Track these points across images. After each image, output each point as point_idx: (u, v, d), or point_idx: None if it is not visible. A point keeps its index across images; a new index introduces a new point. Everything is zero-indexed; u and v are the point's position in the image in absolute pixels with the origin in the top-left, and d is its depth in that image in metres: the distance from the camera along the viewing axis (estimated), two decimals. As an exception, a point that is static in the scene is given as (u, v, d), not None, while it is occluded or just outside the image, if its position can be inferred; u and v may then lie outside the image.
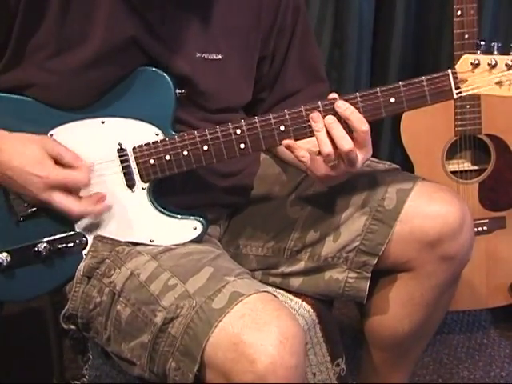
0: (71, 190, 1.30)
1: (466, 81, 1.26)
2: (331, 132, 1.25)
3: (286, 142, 1.28)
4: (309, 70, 1.54)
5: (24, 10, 1.26)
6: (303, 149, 1.29)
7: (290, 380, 1.12)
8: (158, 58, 1.32)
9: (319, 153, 1.27)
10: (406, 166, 2.01)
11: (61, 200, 1.28)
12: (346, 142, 1.24)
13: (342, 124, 1.26)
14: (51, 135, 1.32)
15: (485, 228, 2.06)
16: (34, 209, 1.33)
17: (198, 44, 1.36)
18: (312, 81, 1.53)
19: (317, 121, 1.27)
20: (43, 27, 1.27)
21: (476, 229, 2.03)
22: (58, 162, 1.29)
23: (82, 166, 1.30)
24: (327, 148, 1.25)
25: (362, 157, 1.27)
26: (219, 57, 1.38)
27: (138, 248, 1.33)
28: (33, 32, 1.28)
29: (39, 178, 1.26)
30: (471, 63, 1.25)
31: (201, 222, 1.35)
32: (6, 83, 1.32)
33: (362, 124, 1.25)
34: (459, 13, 1.87)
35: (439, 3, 2.19)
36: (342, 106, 1.26)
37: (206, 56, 1.37)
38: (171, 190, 1.37)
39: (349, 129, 1.26)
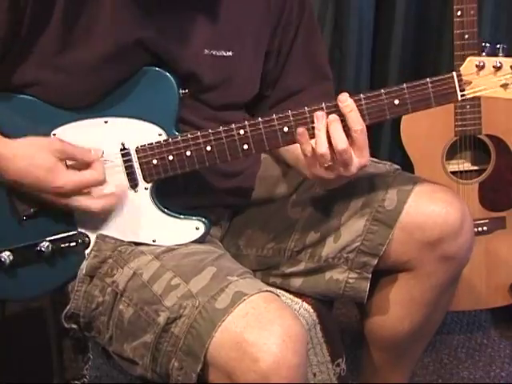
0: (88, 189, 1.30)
1: (471, 83, 1.25)
2: (329, 129, 1.25)
3: (301, 129, 1.27)
4: (313, 67, 1.53)
5: (31, 11, 1.25)
6: (310, 144, 1.28)
7: (293, 379, 1.12)
8: (164, 55, 1.32)
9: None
10: (406, 166, 2.01)
11: (80, 203, 1.28)
12: (340, 141, 1.24)
13: (344, 126, 1.25)
14: (54, 135, 1.32)
15: (485, 228, 2.06)
16: (36, 208, 1.33)
17: (207, 41, 1.35)
18: (317, 79, 1.53)
19: (319, 120, 1.26)
20: (49, 27, 1.26)
21: (476, 229, 2.03)
22: (69, 163, 1.29)
23: (95, 161, 1.30)
24: (322, 148, 1.25)
25: (358, 160, 1.25)
26: (230, 54, 1.38)
27: (141, 248, 1.33)
28: (39, 32, 1.27)
29: (55, 189, 1.26)
30: (476, 65, 1.24)
31: (203, 222, 1.35)
32: (12, 81, 1.32)
33: (357, 123, 1.24)
34: (459, 13, 1.87)
35: (439, 4, 2.20)
36: (343, 102, 1.25)
37: (214, 53, 1.36)
38: (174, 191, 1.37)
39: (347, 127, 1.25)
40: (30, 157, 1.27)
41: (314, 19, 1.55)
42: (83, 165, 1.30)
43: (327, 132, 1.25)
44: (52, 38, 1.27)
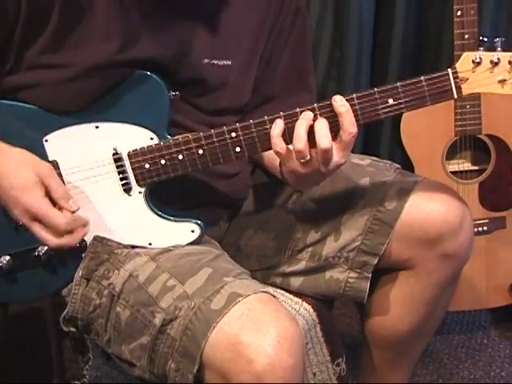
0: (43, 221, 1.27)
1: (467, 80, 1.23)
2: (315, 125, 1.23)
3: (279, 121, 1.25)
4: (297, 77, 1.51)
5: (25, 20, 1.25)
6: (282, 140, 1.26)
7: (289, 380, 1.11)
8: (161, 64, 1.31)
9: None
10: (406, 166, 2.01)
11: (39, 231, 1.26)
12: (325, 139, 1.21)
13: (330, 123, 1.23)
14: (46, 141, 1.32)
15: (485, 228, 2.06)
16: None
17: (207, 50, 1.35)
18: (299, 89, 1.51)
19: (303, 116, 1.24)
20: (44, 32, 1.26)
21: (476, 229, 2.03)
22: (48, 193, 1.27)
23: (67, 209, 1.27)
24: (300, 144, 1.22)
25: (337, 160, 1.24)
26: (229, 63, 1.38)
27: (137, 249, 1.33)
28: (34, 37, 1.27)
29: (22, 205, 1.24)
30: (473, 61, 1.22)
31: (199, 224, 1.34)
32: (4, 84, 1.32)
33: (351, 126, 1.22)
34: (459, 13, 1.87)
35: (439, 3, 2.19)
36: (339, 102, 1.23)
37: (215, 62, 1.36)
38: (169, 193, 1.35)
39: (337, 127, 1.23)
40: (15, 167, 1.26)
41: (305, 30, 1.53)
42: (57, 203, 1.27)
43: (312, 129, 1.23)
44: (46, 42, 1.27)
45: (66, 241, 1.28)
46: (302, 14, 1.49)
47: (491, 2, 2.16)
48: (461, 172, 2.06)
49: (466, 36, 1.87)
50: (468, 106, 1.96)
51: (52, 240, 1.27)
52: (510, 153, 2.02)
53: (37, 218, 1.25)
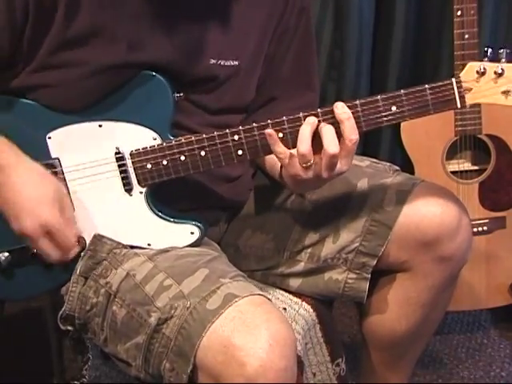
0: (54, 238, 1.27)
1: (471, 90, 1.23)
2: (322, 131, 1.23)
3: (268, 130, 1.26)
4: (302, 76, 1.52)
5: (33, 20, 1.25)
6: (282, 145, 1.27)
7: (280, 382, 1.11)
8: (168, 65, 1.31)
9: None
10: (406, 166, 2.01)
11: (46, 247, 1.26)
12: (333, 144, 1.22)
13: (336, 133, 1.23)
14: (49, 138, 1.32)
15: (485, 228, 2.06)
16: None
17: (215, 51, 1.35)
18: (302, 88, 1.52)
19: (308, 120, 1.25)
20: (50, 35, 1.26)
21: (476, 229, 2.03)
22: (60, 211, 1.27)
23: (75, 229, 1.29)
24: (304, 147, 1.23)
25: (340, 166, 1.24)
26: (236, 63, 1.38)
27: (136, 249, 1.33)
28: (41, 40, 1.27)
29: (37, 218, 1.23)
30: (477, 71, 1.21)
31: (198, 227, 1.34)
32: (10, 85, 1.32)
33: (352, 133, 1.23)
34: (459, 13, 1.87)
35: (439, 3, 2.20)
36: (340, 109, 1.24)
37: (222, 62, 1.36)
38: (171, 193, 1.36)
39: (339, 134, 1.23)
40: (37, 180, 1.25)
41: (310, 29, 1.53)
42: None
43: (317, 133, 1.24)
44: (53, 42, 1.27)
45: (65, 257, 1.29)
46: (306, 13, 1.49)
47: (491, 1, 2.16)
48: (461, 172, 2.06)
49: (466, 36, 1.87)
50: (468, 106, 1.95)
51: (55, 256, 1.27)
52: (510, 153, 2.02)
53: (47, 233, 1.24)
